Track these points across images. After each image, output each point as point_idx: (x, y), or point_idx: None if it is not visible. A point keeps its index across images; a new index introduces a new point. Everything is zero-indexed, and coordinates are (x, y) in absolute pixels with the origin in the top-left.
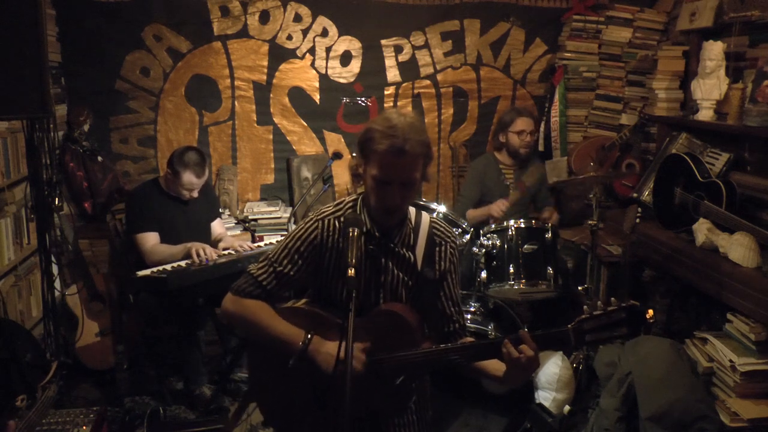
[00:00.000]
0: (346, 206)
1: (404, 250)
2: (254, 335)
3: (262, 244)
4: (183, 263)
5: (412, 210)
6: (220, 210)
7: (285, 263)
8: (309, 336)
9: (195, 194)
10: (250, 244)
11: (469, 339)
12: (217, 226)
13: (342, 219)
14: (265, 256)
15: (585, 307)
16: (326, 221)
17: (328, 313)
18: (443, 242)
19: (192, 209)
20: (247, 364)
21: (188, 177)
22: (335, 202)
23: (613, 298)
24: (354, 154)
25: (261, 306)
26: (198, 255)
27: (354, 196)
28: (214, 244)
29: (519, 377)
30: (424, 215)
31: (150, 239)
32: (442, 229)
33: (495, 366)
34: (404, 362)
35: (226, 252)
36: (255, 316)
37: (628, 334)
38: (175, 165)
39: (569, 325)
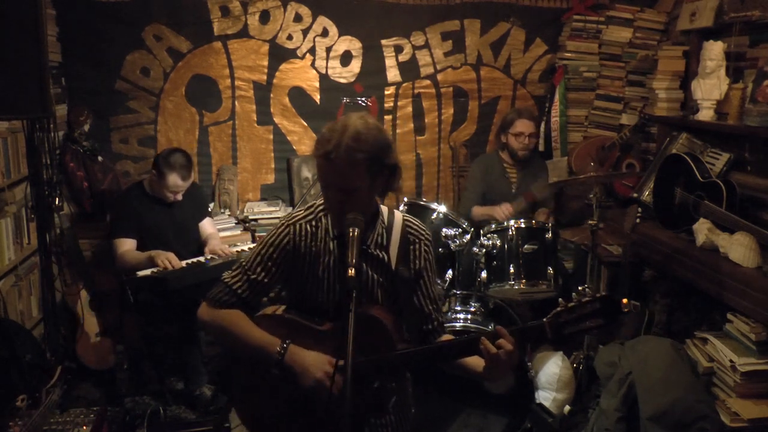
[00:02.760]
0: (317, 210)
1: (378, 250)
2: (230, 345)
3: (245, 247)
4: (184, 263)
5: (384, 209)
6: (213, 209)
7: (258, 270)
8: (285, 345)
9: (179, 197)
10: (228, 249)
11: (448, 336)
12: (207, 226)
13: (314, 223)
14: (238, 264)
15: (560, 299)
16: (298, 226)
17: (305, 319)
18: (417, 240)
19: (178, 212)
20: (222, 374)
21: (174, 179)
22: (306, 206)
23: (588, 289)
24: None
25: (236, 315)
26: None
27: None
28: (203, 244)
29: (499, 372)
30: (397, 214)
31: (123, 245)
32: (415, 226)
33: (475, 362)
34: (382, 364)
35: (191, 261)
36: (230, 325)
37: (603, 324)
38: (160, 166)
39: (545, 319)
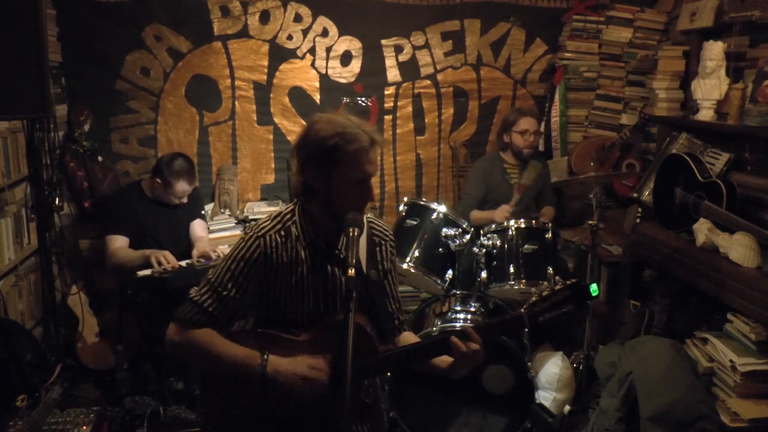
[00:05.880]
0: (285, 218)
1: (348, 253)
2: (206, 365)
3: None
4: (184, 263)
5: None
6: (213, 209)
7: (230, 287)
8: (265, 357)
9: (185, 200)
10: (222, 249)
11: (408, 333)
12: (197, 228)
13: (282, 233)
14: (205, 280)
15: (533, 289)
16: (267, 237)
17: (280, 331)
18: (382, 241)
19: (177, 214)
20: (200, 395)
21: (182, 186)
22: (273, 215)
23: (557, 277)
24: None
25: (209, 333)
26: (159, 264)
27: (291, 206)
28: (192, 245)
29: (466, 369)
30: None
31: (116, 242)
32: (379, 227)
33: (440, 358)
34: (369, 369)
35: (194, 260)
36: (205, 344)
37: (574, 309)
38: (166, 176)
39: (522, 310)
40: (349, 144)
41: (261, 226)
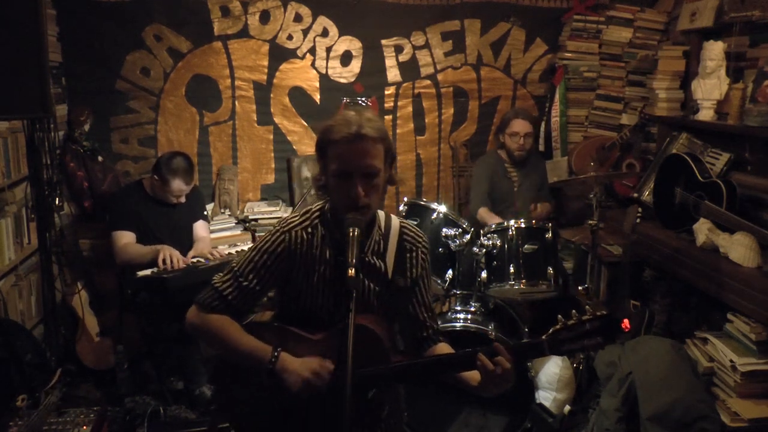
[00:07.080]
0: (313, 216)
1: (374, 258)
2: (220, 350)
3: (233, 251)
4: (185, 264)
5: (381, 214)
6: (213, 209)
7: (251, 277)
8: (276, 353)
9: (183, 199)
10: (220, 251)
11: (443, 344)
12: (199, 229)
13: (309, 230)
14: (229, 268)
15: (559, 316)
16: (293, 233)
17: (297, 328)
18: (414, 248)
19: (177, 213)
20: (213, 381)
21: (178, 184)
22: (302, 212)
23: (587, 306)
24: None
25: (226, 320)
26: (164, 262)
27: (320, 205)
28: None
29: (494, 388)
30: (394, 219)
31: (124, 238)
32: (412, 234)
33: (470, 375)
34: (378, 377)
35: (194, 260)
36: (220, 330)
37: (602, 342)
38: (163, 173)
39: (544, 337)
40: (337, 133)
41: (289, 221)
